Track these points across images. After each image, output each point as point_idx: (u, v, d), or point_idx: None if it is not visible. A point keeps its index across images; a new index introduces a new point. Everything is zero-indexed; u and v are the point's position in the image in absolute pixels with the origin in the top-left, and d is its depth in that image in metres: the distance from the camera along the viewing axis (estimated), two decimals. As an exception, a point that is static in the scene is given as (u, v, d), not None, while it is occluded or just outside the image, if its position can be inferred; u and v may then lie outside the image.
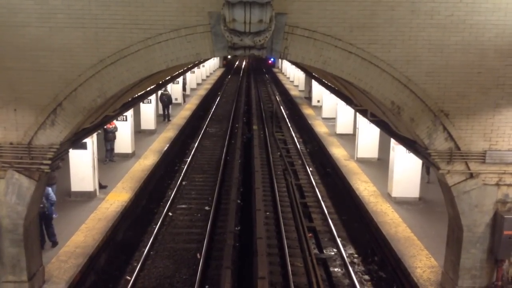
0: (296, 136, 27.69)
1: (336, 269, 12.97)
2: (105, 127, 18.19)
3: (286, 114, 34.96)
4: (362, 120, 19.44)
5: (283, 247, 13.47)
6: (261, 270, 11.58)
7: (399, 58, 8.91)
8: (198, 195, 18.13)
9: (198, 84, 47.97)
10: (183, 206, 17.16)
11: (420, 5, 8.67)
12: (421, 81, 9.00)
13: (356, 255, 13.69)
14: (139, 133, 24.25)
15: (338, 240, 14.21)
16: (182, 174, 20.07)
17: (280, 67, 70.23)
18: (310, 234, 14.83)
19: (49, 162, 9.17)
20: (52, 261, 11.36)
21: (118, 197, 15.54)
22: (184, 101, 36.53)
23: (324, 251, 13.96)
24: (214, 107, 38.27)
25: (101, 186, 16.15)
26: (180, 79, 34.40)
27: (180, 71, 24.99)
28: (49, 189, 12.12)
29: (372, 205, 15.29)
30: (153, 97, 24.58)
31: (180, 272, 12.60)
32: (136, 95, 15.09)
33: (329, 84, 18.40)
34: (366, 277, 12.57)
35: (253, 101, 40.10)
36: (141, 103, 24.00)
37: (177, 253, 13.57)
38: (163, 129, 26.32)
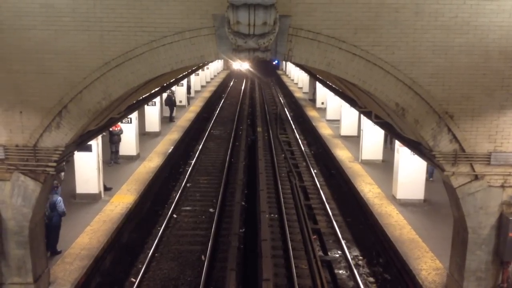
0: (300, 138, 27.69)
1: (340, 271, 12.95)
2: (110, 129, 18.25)
3: (290, 116, 34.98)
4: (366, 122, 19.42)
5: (288, 249, 13.47)
6: (265, 272, 11.59)
7: (403, 60, 8.90)
8: (203, 197, 18.16)
9: (202, 86, 48.04)
10: (188, 208, 17.19)
11: (424, 7, 8.67)
12: (425, 82, 8.99)
13: (361, 257, 13.67)
14: (144, 135, 24.32)
15: (343, 242, 14.19)
16: (186, 176, 20.11)
17: (284, 69, 70.21)
18: (315, 236, 14.83)
19: (54, 164, 9.22)
20: (58, 263, 11.41)
21: (123, 199, 15.58)
22: (189, 104, 36.62)
23: (329, 253, 13.94)
24: (219, 109, 38.32)
25: (106, 188, 16.19)
26: (185, 82, 34.49)
27: (184, 74, 25.03)
28: (59, 198, 11.95)
29: (377, 207, 15.26)
30: (157, 100, 24.67)
31: (184, 274, 12.62)
32: (141, 98, 15.13)
33: (333, 86, 18.38)
34: (371, 279, 12.55)
35: (257, 103, 40.13)
36: (145, 106, 24.07)
37: (181, 255, 13.59)
38: (168, 131, 26.38)
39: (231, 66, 74.49)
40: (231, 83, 61.30)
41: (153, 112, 25.34)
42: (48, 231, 11.45)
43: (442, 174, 9.51)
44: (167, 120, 29.01)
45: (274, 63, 75.77)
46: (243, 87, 49.85)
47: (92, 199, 15.30)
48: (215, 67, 62.10)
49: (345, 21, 8.75)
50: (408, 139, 10.84)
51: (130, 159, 20.12)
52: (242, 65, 64.28)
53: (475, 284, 9.69)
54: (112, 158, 19.57)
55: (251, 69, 64.26)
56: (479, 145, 9.23)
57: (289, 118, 34.06)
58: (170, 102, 29.50)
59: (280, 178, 19.78)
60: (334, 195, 18.54)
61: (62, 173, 14.97)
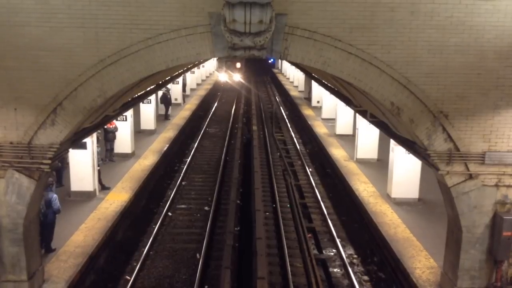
0: (295, 137, 27.71)
1: (335, 270, 12.98)
2: (105, 127, 18.20)
3: (285, 115, 34.98)
4: (361, 121, 19.46)
5: (283, 247, 13.48)
6: (260, 270, 11.58)
7: (398, 59, 8.93)
8: (198, 195, 18.15)
9: (198, 84, 47.95)
10: (183, 206, 17.17)
11: (420, 6, 8.69)
12: (420, 82, 9.02)
13: (355, 256, 13.70)
14: (139, 133, 24.26)
15: (338, 241, 14.22)
16: (181, 174, 20.09)
17: (279, 68, 70.20)
18: (310, 235, 14.85)
19: (49, 161, 9.19)
20: (52, 260, 11.37)
21: (118, 197, 15.55)
22: (184, 102, 36.57)
23: (324, 252, 13.97)
24: (214, 107, 38.27)
25: (104, 187, 16.13)
26: (180, 79, 34.46)
27: (180, 71, 25.00)
28: (54, 195, 11.95)
29: (372, 206, 15.30)
30: (153, 97, 24.63)
31: (179, 272, 12.62)
32: (136, 95, 15.10)
33: (329, 84, 18.40)
34: (365, 277, 12.58)
35: (253, 102, 40.08)
36: (141, 103, 24.03)
37: (176, 253, 13.58)
38: (163, 129, 26.34)
39: (217, 77, 56.26)
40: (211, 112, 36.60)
41: (148, 110, 25.31)
42: (43, 228, 11.43)
43: (436, 173, 9.54)
44: (162, 118, 28.98)
45: (269, 61, 75.72)
46: (239, 82, 47.03)
47: (87, 197, 15.26)
48: (210, 65, 61.85)
49: (341, 20, 8.76)
50: (403, 138, 10.87)
51: (125, 157, 20.06)
52: (233, 76, 49.66)
53: (469, 283, 9.73)
54: (107, 156, 19.51)
55: (243, 81, 49.19)
56: (474, 145, 9.27)
57: (285, 117, 34.07)
58: (166, 100, 29.51)
59: (275, 176, 19.79)
60: (329, 193, 18.57)
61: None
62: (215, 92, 47.86)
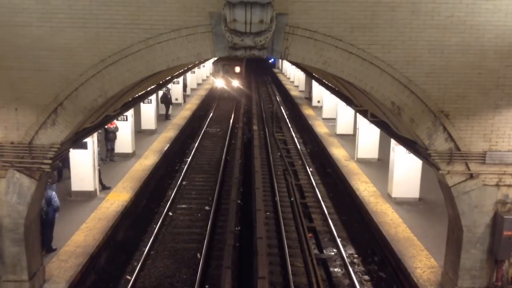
0: (296, 137, 27.71)
1: (336, 269, 12.98)
2: (106, 127, 18.21)
3: (286, 115, 34.98)
4: (362, 121, 19.46)
5: (283, 247, 13.48)
6: (261, 270, 11.58)
7: (399, 59, 8.93)
8: (198, 195, 18.15)
9: (198, 84, 47.92)
10: (184, 206, 17.17)
11: (421, 5, 8.69)
12: (421, 81, 9.02)
13: (356, 255, 13.71)
14: (140, 133, 24.27)
15: (338, 240, 14.22)
16: (182, 174, 20.09)
17: (280, 67, 70.23)
18: (310, 234, 14.85)
19: (50, 161, 9.19)
20: (53, 260, 11.38)
21: (119, 197, 15.55)
22: (185, 101, 36.57)
23: (324, 251, 13.97)
24: (215, 107, 38.26)
25: (104, 187, 16.14)
26: (181, 79, 34.47)
27: (180, 71, 25.01)
28: (53, 193, 11.98)
29: (372, 206, 15.30)
30: (153, 97, 24.65)
31: (180, 271, 12.62)
32: (137, 95, 15.11)
33: (329, 84, 18.40)
34: (366, 277, 12.58)
35: (253, 102, 40.07)
36: (141, 103, 24.03)
37: (177, 253, 13.58)
38: (164, 129, 26.35)
39: (213, 83, 46.39)
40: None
41: (149, 110, 25.31)
42: (44, 227, 11.45)
43: (437, 173, 9.54)
44: (163, 118, 28.99)
45: (270, 61, 75.75)
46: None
47: (87, 197, 15.26)
48: (211, 66, 61.73)
49: (341, 20, 8.76)
50: (403, 137, 10.87)
51: (125, 156, 20.07)
52: (232, 82, 42.75)
53: (470, 282, 9.74)
54: (108, 156, 19.52)
55: (241, 86, 42.56)
56: (474, 144, 9.27)
57: (285, 117, 34.07)
58: (166, 100, 29.54)
59: (276, 176, 19.79)
60: (329, 193, 18.57)
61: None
62: (215, 92, 47.73)
